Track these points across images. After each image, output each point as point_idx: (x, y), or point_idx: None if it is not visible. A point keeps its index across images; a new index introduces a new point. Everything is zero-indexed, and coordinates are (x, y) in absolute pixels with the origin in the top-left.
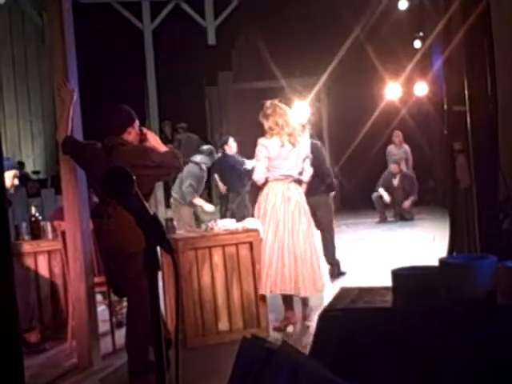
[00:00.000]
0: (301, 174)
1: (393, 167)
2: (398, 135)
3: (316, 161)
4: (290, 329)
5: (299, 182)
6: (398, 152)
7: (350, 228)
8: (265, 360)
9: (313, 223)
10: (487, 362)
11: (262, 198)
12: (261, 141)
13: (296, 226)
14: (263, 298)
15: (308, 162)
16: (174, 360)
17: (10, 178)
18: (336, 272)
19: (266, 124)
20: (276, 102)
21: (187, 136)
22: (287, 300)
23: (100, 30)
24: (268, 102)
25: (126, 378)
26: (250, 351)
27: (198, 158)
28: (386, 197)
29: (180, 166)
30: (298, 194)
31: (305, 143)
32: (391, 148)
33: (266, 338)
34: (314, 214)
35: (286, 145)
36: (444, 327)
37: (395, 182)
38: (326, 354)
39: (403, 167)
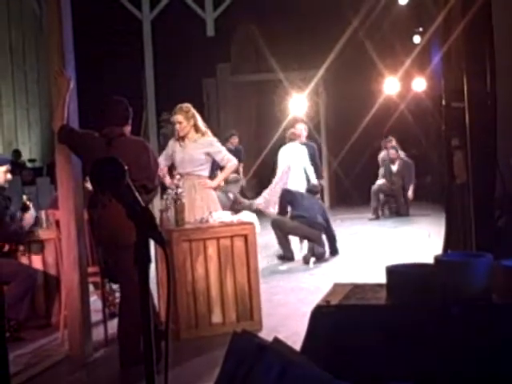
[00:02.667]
0: None
1: (392, 153)
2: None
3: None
4: None
5: None
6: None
7: (346, 223)
8: (255, 356)
9: None
10: (482, 359)
11: None
12: None
13: None
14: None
15: None
16: (168, 351)
17: (3, 172)
18: None
19: None
20: None
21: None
22: None
23: (98, 20)
24: None
25: (117, 368)
26: (241, 347)
27: (225, 187)
28: (386, 187)
29: (157, 184)
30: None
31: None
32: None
33: (258, 331)
34: None
35: None
36: (438, 325)
37: (394, 168)
38: (318, 350)
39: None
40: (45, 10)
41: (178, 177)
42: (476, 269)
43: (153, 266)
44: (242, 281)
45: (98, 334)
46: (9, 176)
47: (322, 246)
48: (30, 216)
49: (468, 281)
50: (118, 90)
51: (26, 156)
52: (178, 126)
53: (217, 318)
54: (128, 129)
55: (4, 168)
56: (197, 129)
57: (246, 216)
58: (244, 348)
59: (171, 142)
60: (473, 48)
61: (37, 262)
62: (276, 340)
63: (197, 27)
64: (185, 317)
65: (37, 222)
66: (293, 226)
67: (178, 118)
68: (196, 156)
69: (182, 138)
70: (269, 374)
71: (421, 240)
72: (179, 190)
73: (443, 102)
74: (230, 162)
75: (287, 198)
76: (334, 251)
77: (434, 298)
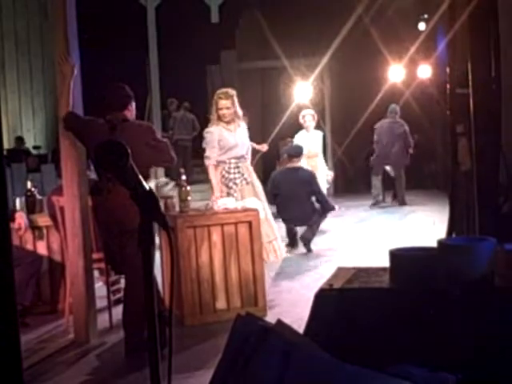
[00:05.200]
0: None
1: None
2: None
3: None
4: None
5: None
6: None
7: (350, 210)
8: (258, 338)
9: None
10: (484, 342)
11: None
12: None
13: None
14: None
15: None
16: (172, 337)
17: None
18: None
19: None
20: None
21: (183, 114)
22: None
23: (103, 6)
24: None
25: (122, 354)
26: (244, 329)
27: None
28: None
29: (174, 159)
30: None
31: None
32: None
33: (262, 317)
34: None
35: None
36: (440, 308)
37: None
38: (320, 333)
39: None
40: None
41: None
42: (479, 252)
43: (158, 253)
44: (246, 267)
45: (103, 320)
46: None
47: (314, 231)
48: (19, 216)
49: (471, 264)
50: (123, 76)
51: (30, 143)
52: (225, 112)
53: (221, 304)
54: (131, 113)
55: None
56: (237, 114)
57: (251, 202)
58: (247, 330)
59: (214, 130)
60: (477, 34)
61: (41, 248)
62: (279, 322)
63: (201, 14)
64: (189, 303)
65: (41, 207)
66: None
67: (227, 103)
68: (246, 140)
69: (227, 123)
70: (272, 356)
71: (425, 227)
72: (245, 175)
73: (448, 89)
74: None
75: (273, 191)
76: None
77: (436, 281)
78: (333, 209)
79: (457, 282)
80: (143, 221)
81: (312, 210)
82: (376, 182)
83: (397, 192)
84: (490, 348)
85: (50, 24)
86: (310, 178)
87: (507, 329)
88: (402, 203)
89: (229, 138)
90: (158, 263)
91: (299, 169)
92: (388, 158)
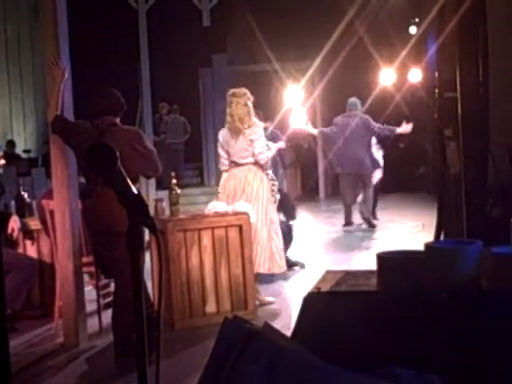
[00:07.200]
0: None
1: None
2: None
3: None
4: None
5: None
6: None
7: (339, 214)
8: (245, 342)
9: None
10: (471, 345)
11: None
12: None
13: None
14: (256, 277)
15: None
16: (160, 341)
17: None
18: None
19: None
20: None
21: (174, 117)
22: None
23: (94, 9)
24: None
25: (112, 358)
26: (231, 332)
27: None
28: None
29: (159, 170)
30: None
31: None
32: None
33: (252, 321)
34: None
35: None
36: (427, 311)
37: None
38: (308, 336)
39: None
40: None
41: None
42: (465, 255)
43: (148, 256)
44: (236, 271)
45: (92, 324)
46: (2, 161)
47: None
48: (13, 220)
49: (457, 267)
50: (114, 79)
51: (21, 147)
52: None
53: (211, 307)
54: (119, 118)
55: None
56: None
57: (241, 206)
58: (234, 334)
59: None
60: (465, 39)
61: (31, 251)
62: (266, 326)
63: (193, 17)
64: (179, 307)
65: (31, 211)
66: None
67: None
68: None
69: None
70: (259, 359)
71: (415, 231)
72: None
73: (436, 93)
74: None
75: None
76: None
77: (423, 284)
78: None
79: (444, 285)
80: (131, 224)
81: None
82: (345, 194)
83: (362, 209)
84: (476, 350)
85: (40, 27)
86: None
87: (493, 332)
88: (370, 225)
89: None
90: (149, 266)
91: None
92: (344, 162)
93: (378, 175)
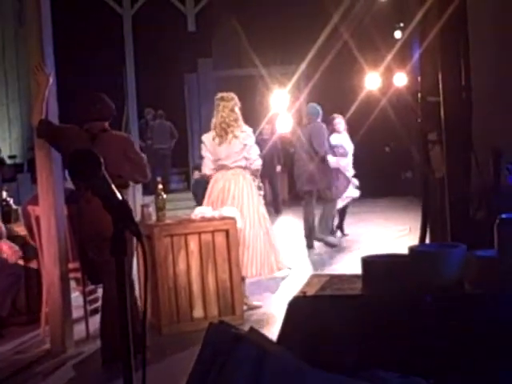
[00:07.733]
0: None
1: None
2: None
3: None
4: None
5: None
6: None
7: None
8: (231, 346)
9: None
10: (455, 348)
11: None
12: None
13: None
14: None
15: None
16: (147, 346)
17: None
18: None
19: None
20: None
21: (159, 122)
22: None
23: (79, 14)
24: None
25: (99, 364)
26: (217, 337)
27: None
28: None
29: (148, 176)
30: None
31: None
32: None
33: (240, 326)
34: None
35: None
36: (412, 315)
37: None
38: (294, 340)
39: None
40: (24, 4)
41: None
42: (449, 259)
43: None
44: (223, 275)
45: (79, 330)
46: None
47: None
48: None
49: (441, 271)
50: (99, 84)
51: (6, 152)
52: None
53: (198, 312)
54: (108, 124)
55: None
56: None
57: (228, 211)
58: (220, 338)
59: None
60: (448, 44)
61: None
62: (252, 330)
63: (178, 22)
64: (166, 312)
65: (17, 217)
66: None
67: None
68: None
69: None
70: (245, 364)
71: (401, 234)
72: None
73: (419, 97)
74: None
75: None
76: None
77: (408, 287)
78: None
79: (428, 289)
80: (116, 230)
81: None
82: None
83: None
84: (461, 353)
85: (25, 32)
86: None
87: (477, 334)
88: (328, 245)
89: None
90: (135, 270)
91: None
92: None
93: (342, 183)
